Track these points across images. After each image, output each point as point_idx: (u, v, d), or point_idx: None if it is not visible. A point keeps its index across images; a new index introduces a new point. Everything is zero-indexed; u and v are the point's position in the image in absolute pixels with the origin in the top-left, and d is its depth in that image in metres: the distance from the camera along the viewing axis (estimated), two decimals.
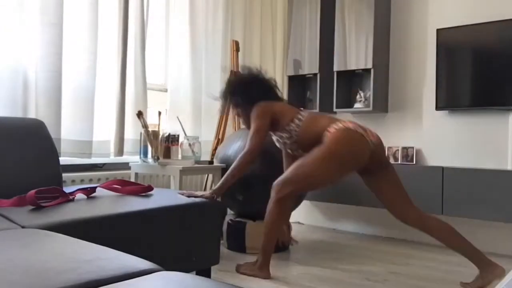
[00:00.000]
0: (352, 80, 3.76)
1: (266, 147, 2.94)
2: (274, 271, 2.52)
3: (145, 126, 2.77)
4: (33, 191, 1.76)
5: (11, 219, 1.59)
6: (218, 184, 2.39)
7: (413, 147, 3.43)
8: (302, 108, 2.58)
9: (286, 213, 2.54)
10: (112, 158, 2.88)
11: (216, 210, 2.18)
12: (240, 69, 2.74)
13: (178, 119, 3.07)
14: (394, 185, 2.40)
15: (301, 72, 3.81)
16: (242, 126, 3.33)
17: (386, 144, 3.61)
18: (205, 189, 3.39)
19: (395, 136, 3.60)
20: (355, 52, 3.52)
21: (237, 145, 3.00)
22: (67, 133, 2.59)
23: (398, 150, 3.46)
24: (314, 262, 2.75)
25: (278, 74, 4.06)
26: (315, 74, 3.74)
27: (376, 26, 3.46)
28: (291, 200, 2.48)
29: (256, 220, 2.93)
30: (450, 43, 3.26)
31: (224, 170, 2.95)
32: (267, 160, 2.89)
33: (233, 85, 2.66)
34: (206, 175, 3.35)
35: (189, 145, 2.96)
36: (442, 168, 3.06)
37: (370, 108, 3.46)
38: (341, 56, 3.60)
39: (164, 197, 2.07)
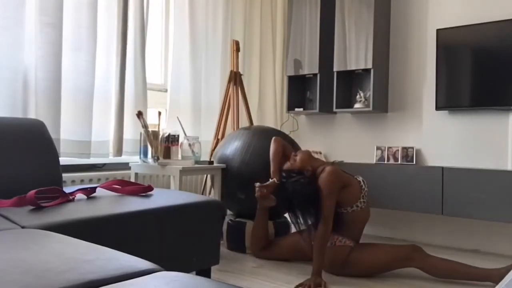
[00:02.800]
0: (352, 80, 3.76)
1: (266, 145, 2.95)
2: (274, 271, 2.52)
3: (145, 126, 2.77)
4: (33, 191, 1.76)
5: (11, 219, 1.58)
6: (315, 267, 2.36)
7: (413, 147, 3.42)
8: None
9: None
10: (112, 158, 2.88)
11: (216, 210, 2.18)
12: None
13: (178, 119, 3.07)
14: None
15: (301, 72, 3.81)
16: (241, 126, 3.33)
17: (386, 144, 3.62)
18: (203, 190, 3.39)
19: (395, 136, 3.60)
20: (355, 52, 3.52)
21: (235, 144, 3.00)
22: (67, 133, 2.59)
23: (398, 150, 3.46)
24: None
25: (278, 74, 4.07)
26: (315, 74, 3.74)
27: (376, 26, 3.47)
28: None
29: None
30: (450, 43, 3.26)
31: (223, 170, 2.96)
32: (268, 159, 2.89)
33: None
34: (206, 175, 3.35)
35: (189, 145, 2.96)
36: (442, 168, 3.06)
37: (370, 108, 3.46)
38: (341, 56, 3.60)
39: (164, 197, 2.07)
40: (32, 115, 2.42)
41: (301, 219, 2.47)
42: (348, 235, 2.51)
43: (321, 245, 2.35)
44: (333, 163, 2.60)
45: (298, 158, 2.57)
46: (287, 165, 2.60)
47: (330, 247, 2.45)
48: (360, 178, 2.58)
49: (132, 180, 2.89)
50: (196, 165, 2.85)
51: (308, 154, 2.61)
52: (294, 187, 2.47)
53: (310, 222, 2.47)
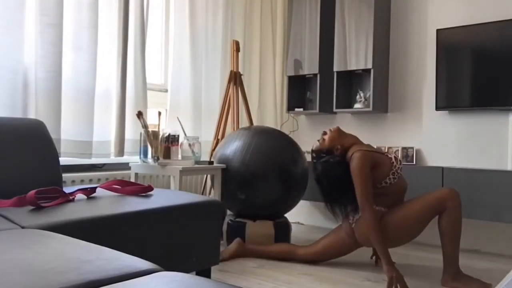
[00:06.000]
0: (352, 80, 3.76)
1: (266, 146, 2.94)
2: (274, 272, 2.52)
3: (145, 126, 2.77)
4: (33, 191, 1.76)
5: (11, 219, 1.59)
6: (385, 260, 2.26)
7: (413, 147, 3.43)
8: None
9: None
10: (112, 159, 2.88)
11: (216, 210, 2.18)
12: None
13: (178, 119, 3.07)
14: None
15: (301, 72, 3.81)
16: (241, 126, 3.33)
17: (386, 144, 3.62)
18: (203, 190, 3.39)
19: (395, 136, 3.60)
20: (355, 52, 3.52)
21: (235, 145, 3.00)
22: (67, 133, 2.59)
23: (398, 150, 3.46)
24: (314, 262, 2.75)
25: (278, 74, 4.07)
26: (315, 74, 3.74)
27: (376, 26, 3.47)
28: None
29: (256, 220, 2.93)
30: (450, 43, 3.26)
31: (224, 170, 2.96)
32: (268, 159, 2.89)
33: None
34: (206, 175, 3.35)
35: (189, 145, 2.96)
36: (442, 168, 3.06)
37: (370, 108, 3.46)
38: (341, 56, 3.60)
39: (164, 197, 2.07)
40: (32, 115, 2.42)
41: (338, 206, 2.46)
42: (380, 204, 2.41)
43: (374, 234, 2.25)
44: (361, 145, 2.53)
45: (327, 137, 2.52)
46: (316, 146, 2.55)
47: (360, 219, 2.40)
48: (392, 155, 2.50)
49: (132, 180, 2.89)
50: (196, 165, 2.85)
51: (337, 131, 2.53)
52: (323, 167, 2.44)
53: (349, 209, 2.45)
